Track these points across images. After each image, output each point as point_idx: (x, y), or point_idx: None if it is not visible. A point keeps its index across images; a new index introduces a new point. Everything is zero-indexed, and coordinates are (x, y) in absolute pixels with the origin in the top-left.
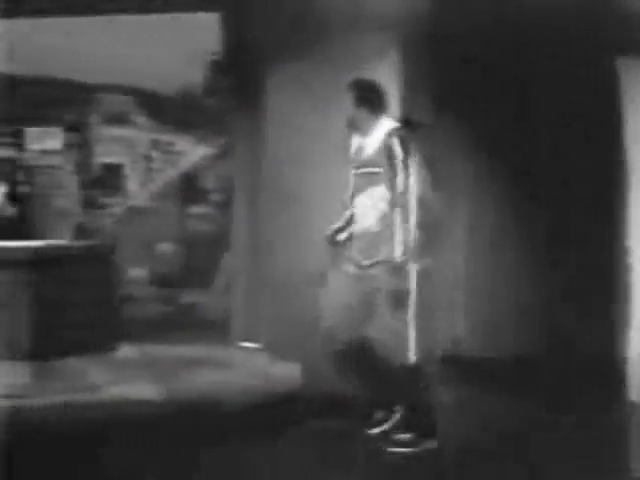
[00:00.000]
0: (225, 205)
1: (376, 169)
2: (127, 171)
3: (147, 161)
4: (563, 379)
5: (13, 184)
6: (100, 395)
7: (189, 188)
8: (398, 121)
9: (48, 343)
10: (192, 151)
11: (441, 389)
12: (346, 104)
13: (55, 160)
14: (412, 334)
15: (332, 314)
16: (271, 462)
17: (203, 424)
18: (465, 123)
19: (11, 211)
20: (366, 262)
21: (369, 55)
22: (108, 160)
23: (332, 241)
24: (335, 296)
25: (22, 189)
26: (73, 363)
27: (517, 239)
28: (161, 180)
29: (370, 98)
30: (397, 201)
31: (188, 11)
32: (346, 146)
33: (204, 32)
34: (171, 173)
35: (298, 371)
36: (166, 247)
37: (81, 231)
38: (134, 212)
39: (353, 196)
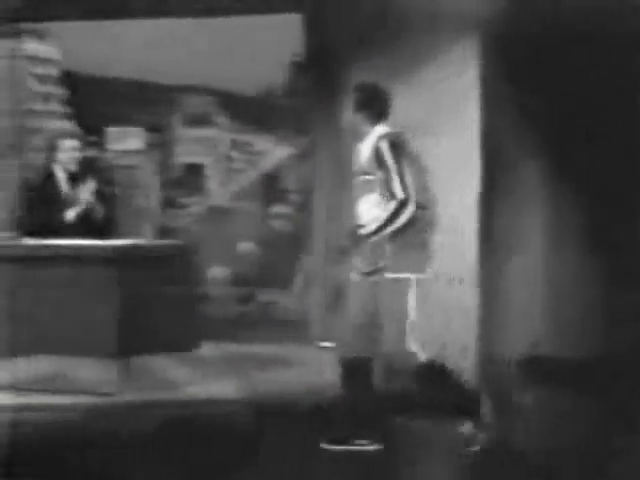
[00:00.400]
0: (305, 205)
1: (370, 176)
2: (208, 171)
3: (228, 161)
4: None
5: (98, 183)
6: (181, 393)
7: (269, 188)
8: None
9: (132, 341)
10: (272, 151)
11: (521, 391)
12: (348, 109)
13: (137, 160)
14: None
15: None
16: (347, 460)
17: (281, 422)
18: (540, 124)
19: (100, 210)
20: (366, 270)
21: (447, 53)
22: (189, 160)
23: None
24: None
25: (105, 189)
26: (155, 361)
27: (595, 240)
28: (241, 180)
29: (370, 103)
30: (390, 207)
31: (269, 13)
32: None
33: (285, 33)
34: (251, 173)
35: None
36: (246, 247)
37: (162, 230)
38: (214, 212)
39: (356, 204)
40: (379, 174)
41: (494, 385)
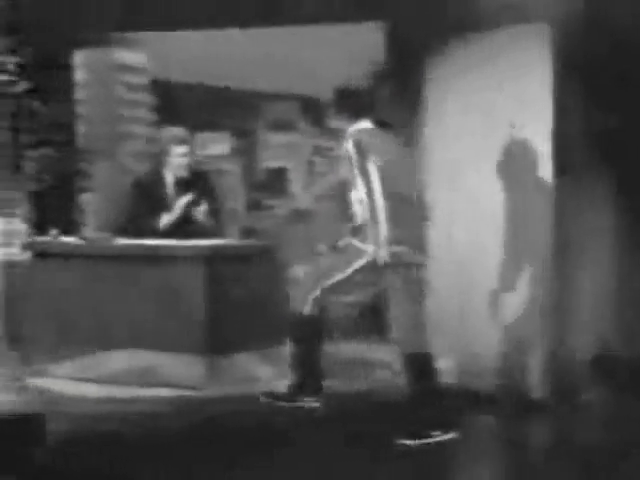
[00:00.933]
0: None
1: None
2: (291, 175)
3: (310, 166)
4: None
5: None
6: (264, 389)
7: (348, 191)
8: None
9: (219, 338)
10: None
11: (591, 390)
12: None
13: (223, 164)
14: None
15: None
16: (432, 456)
17: (360, 419)
18: (614, 122)
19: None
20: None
21: (520, 49)
22: (273, 164)
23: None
24: None
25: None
26: (242, 358)
27: None
28: (322, 184)
29: (349, 103)
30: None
31: (350, 21)
32: (505, 149)
33: (365, 40)
34: (331, 177)
35: (453, 369)
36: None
37: (247, 231)
38: (297, 214)
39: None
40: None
41: (562, 383)
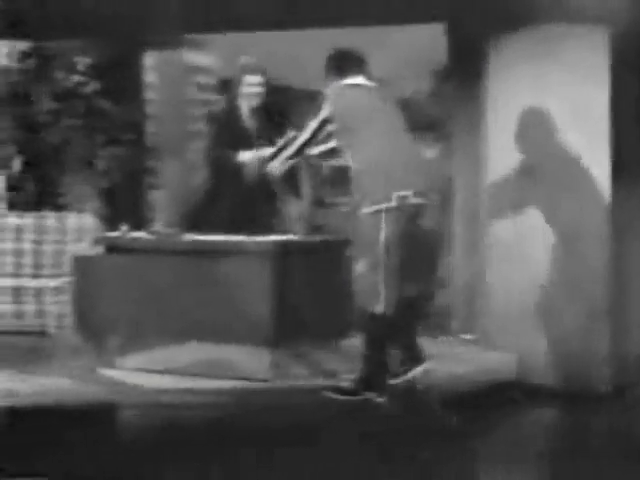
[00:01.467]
0: (445, 204)
1: None
2: None
3: None
4: None
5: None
6: (333, 382)
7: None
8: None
9: (287, 331)
10: None
11: None
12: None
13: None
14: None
15: None
16: (487, 451)
17: (420, 412)
18: None
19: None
20: None
21: (579, 47)
22: (338, 163)
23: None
24: None
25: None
26: (310, 351)
27: None
28: None
29: (339, 65)
30: None
31: (414, 22)
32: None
33: (429, 42)
34: None
35: (513, 362)
36: None
37: (312, 228)
38: None
39: None
40: None
41: (621, 381)
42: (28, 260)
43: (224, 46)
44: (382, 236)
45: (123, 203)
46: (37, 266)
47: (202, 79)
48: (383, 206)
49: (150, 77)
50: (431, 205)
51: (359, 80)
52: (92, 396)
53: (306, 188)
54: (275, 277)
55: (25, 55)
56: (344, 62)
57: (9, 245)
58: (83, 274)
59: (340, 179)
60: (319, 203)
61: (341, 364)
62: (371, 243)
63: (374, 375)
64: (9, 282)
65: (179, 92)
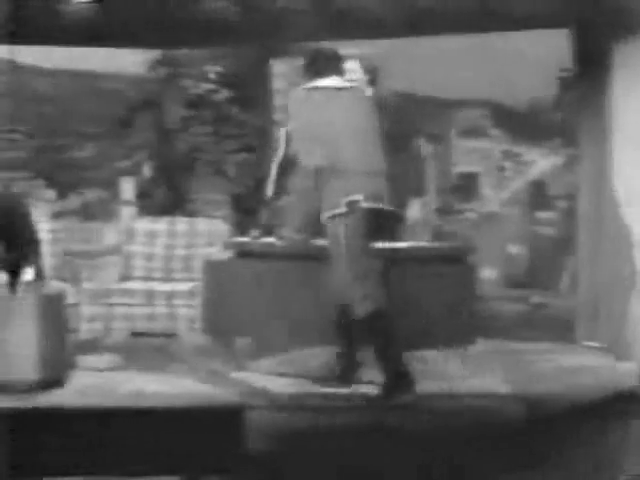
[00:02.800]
0: (570, 211)
1: None
2: (481, 180)
3: (499, 170)
4: None
5: None
6: (455, 386)
7: (537, 195)
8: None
9: (410, 336)
10: (540, 161)
11: None
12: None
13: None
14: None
15: None
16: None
17: (543, 417)
18: None
19: None
20: None
21: None
22: (464, 169)
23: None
24: None
25: None
26: (433, 355)
27: None
28: (511, 188)
29: (316, 64)
30: None
31: (538, 28)
32: None
33: (554, 48)
34: (520, 181)
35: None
36: (514, 250)
37: (438, 234)
38: (487, 217)
39: None
40: None
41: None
42: (159, 264)
43: (353, 54)
44: (341, 241)
45: (253, 209)
46: (168, 270)
47: None
48: (337, 211)
49: (278, 84)
50: (394, 211)
51: (331, 81)
52: (223, 398)
53: (431, 194)
54: (401, 281)
55: (157, 63)
56: (319, 63)
57: (140, 249)
58: (214, 278)
59: (466, 185)
60: (446, 210)
61: (464, 368)
62: (334, 247)
63: (346, 370)
64: (141, 285)
65: None
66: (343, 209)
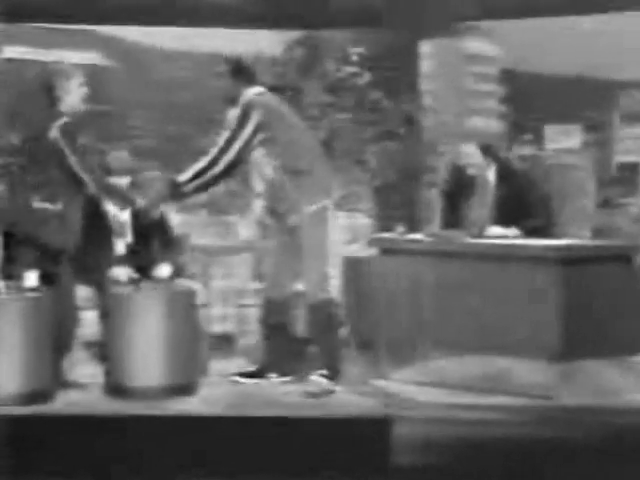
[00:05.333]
0: None
1: None
2: None
3: None
4: None
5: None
6: (621, 400)
7: None
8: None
9: (576, 344)
10: None
11: None
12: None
13: (573, 159)
14: None
15: None
16: None
17: None
18: None
19: None
20: None
21: None
22: (626, 159)
23: None
24: None
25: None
26: (592, 365)
27: None
28: None
29: (242, 70)
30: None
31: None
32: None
33: None
34: None
35: None
36: None
37: (598, 231)
38: None
39: None
40: None
41: None
42: None
43: (507, 34)
44: None
45: (398, 202)
46: None
47: (482, 69)
48: None
49: (426, 67)
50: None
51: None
52: (365, 408)
53: (590, 186)
54: (562, 284)
55: (294, 44)
56: (247, 70)
57: None
58: (355, 277)
59: (629, 177)
60: (606, 204)
61: (627, 381)
62: None
63: (276, 359)
64: None
65: (457, 83)
66: None
